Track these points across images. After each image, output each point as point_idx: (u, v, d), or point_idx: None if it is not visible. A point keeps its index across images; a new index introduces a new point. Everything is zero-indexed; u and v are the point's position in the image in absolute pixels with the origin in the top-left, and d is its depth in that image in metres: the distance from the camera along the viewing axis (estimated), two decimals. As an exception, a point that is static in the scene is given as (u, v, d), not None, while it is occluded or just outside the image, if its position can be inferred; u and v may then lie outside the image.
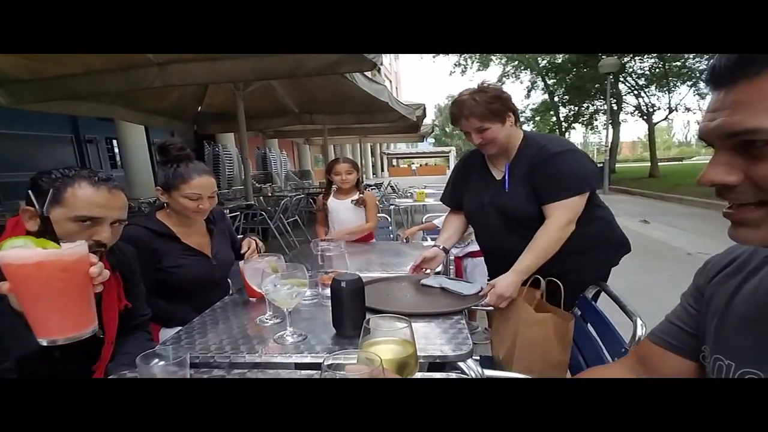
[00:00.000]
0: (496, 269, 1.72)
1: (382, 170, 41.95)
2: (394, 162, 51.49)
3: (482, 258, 2.98)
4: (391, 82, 27.67)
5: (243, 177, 12.63)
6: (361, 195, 2.88)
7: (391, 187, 10.11)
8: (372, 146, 33.93)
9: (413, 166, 47.54)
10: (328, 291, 1.42)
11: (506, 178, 1.63)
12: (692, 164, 31.36)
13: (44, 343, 0.78)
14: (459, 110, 1.63)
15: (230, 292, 1.87)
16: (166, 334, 1.58)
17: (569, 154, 1.55)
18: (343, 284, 1.14)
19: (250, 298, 1.60)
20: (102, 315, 1.12)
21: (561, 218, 1.50)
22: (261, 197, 8.13)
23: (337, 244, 1.66)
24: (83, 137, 11.33)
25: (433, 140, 50.88)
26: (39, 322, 0.77)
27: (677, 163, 36.73)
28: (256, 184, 10.32)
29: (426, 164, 48.77)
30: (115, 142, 12.19)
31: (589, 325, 1.44)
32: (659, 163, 20.28)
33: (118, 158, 12.61)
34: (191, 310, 1.64)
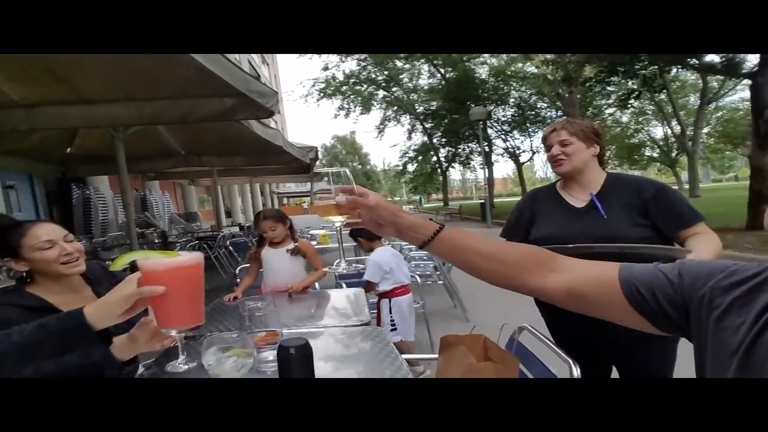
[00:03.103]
0: None
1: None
2: (285, 201, 50.76)
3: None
4: (276, 122, 27.46)
5: (119, 222, 11.48)
6: (297, 244, 2.74)
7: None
8: (261, 186, 33.11)
9: (304, 205, 47.17)
10: (264, 354, 1.36)
11: (598, 206, 1.67)
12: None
13: (171, 333, 1.03)
14: (555, 126, 1.75)
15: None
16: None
17: (671, 188, 1.68)
18: (292, 351, 1.09)
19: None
20: None
21: (712, 233, 1.57)
22: (145, 245, 7.42)
23: (269, 302, 1.59)
24: None
25: (326, 178, 51.23)
26: (168, 316, 0.96)
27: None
28: (138, 230, 9.41)
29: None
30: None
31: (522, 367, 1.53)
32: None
33: (-45, 206, 10.72)
34: None
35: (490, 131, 23.18)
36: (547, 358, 1.52)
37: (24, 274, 1.52)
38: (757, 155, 8.67)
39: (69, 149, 6.37)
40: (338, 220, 0.99)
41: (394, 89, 26.28)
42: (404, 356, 1.68)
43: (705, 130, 28.48)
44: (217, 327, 2.02)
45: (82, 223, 11.17)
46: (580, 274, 0.80)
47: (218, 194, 10.32)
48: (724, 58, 9.58)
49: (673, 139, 29.18)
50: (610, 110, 25.57)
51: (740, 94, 25.51)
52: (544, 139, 1.80)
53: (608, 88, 15.13)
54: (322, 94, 25.70)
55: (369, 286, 3.11)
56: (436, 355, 1.62)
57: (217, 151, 7.42)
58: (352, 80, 25.22)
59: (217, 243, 7.70)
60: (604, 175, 1.74)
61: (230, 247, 7.71)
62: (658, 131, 31.85)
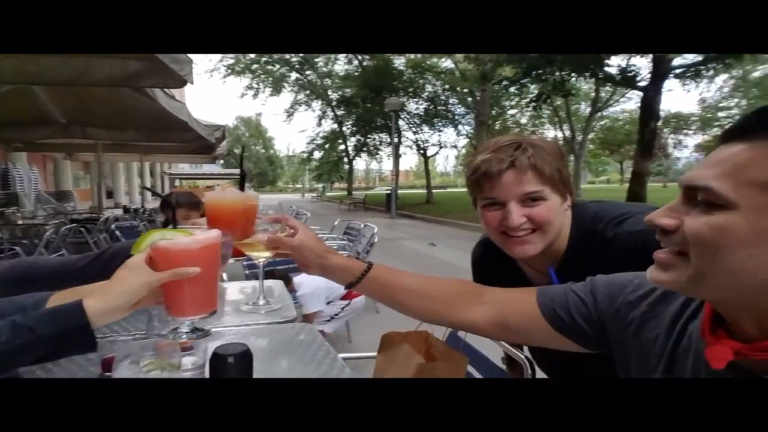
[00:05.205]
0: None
1: (163, 192, 38.10)
2: (177, 183, 47.47)
3: None
4: (173, 97, 25.21)
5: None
6: None
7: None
8: (151, 165, 30.47)
9: (217, 187, 44.33)
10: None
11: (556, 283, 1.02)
12: (456, 192, 37.53)
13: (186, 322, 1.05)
14: (510, 158, 0.90)
15: None
16: None
17: (626, 234, 0.93)
18: (231, 360, 0.89)
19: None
20: None
21: None
22: (5, 226, 6.38)
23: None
24: None
25: (222, 161, 48.80)
26: (187, 302, 0.81)
27: (443, 190, 43.32)
28: (-3, 209, 8.09)
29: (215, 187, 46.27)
30: None
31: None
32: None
33: None
34: None
35: (401, 123, 23.57)
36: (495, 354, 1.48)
37: None
38: (639, 161, 9.88)
39: None
40: (264, 255, 0.96)
41: (308, 72, 25.53)
42: (341, 355, 1.56)
43: (590, 136, 31.53)
44: (110, 326, 1.69)
45: None
46: (503, 304, 0.83)
47: (101, 172, 9.22)
48: (621, 70, 10.65)
49: (562, 142, 32.03)
50: (512, 111, 27.26)
51: (622, 105, 28.40)
52: (484, 180, 0.93)
53: (514, 90, 16.09)
54: (230, 71, 24.13)
55: (309, 317, 3.14)
56: (374, 354, 1.51)
57: (106, 122, 6.53)
58: (264, 59, 23.99)
59: (98, 226, 6.82)
60: (568, 226, 1.02)
61: (117, 232, 6.91)
62: (550, 134, 34.80)
